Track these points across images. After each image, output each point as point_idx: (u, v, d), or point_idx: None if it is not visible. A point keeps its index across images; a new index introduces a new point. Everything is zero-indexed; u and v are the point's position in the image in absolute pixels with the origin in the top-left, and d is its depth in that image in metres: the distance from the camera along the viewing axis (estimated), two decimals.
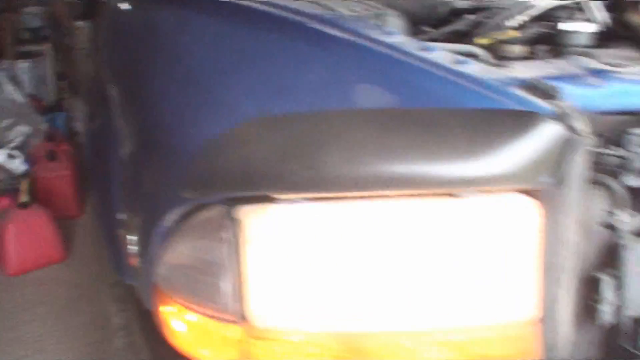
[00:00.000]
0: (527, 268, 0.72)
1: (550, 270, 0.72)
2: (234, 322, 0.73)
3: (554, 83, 0.74)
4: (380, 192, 0.69)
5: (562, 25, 1.00)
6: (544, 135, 0.68)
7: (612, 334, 0.96)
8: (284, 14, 0.87)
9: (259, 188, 0.69)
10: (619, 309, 0.90)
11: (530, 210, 0.70)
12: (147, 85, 0.91)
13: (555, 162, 0.69)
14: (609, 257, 0.90)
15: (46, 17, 3.28)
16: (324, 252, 0.69)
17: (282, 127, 0.70)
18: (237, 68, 0.81)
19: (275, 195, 0.69)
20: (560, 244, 0.71)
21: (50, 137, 3.06)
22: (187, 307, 0.78)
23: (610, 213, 0.86)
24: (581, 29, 0.99)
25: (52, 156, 2.79)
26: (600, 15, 1.03)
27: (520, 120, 0.69)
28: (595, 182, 0.87)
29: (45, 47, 3.44)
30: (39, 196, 2.63)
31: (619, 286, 0.88)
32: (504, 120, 0.69)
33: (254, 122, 0.71)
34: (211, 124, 0.74)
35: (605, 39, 1.03)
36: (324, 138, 0.68)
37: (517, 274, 0.71)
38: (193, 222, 0.73)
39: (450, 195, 0.70)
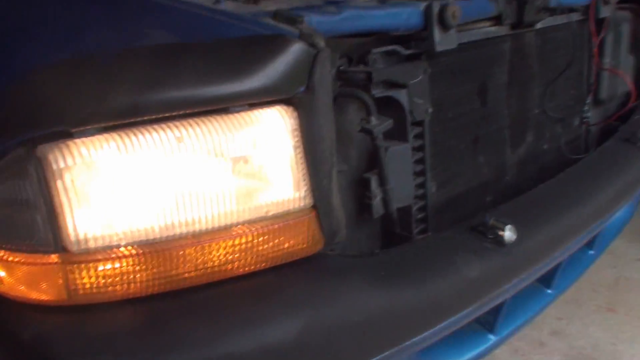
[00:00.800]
0: (293, 162, 0.93)
1: (316, 163, 0.95)
2: (53, 253, 0.86)
3: (298, 12, 0.97)
4: (164, 114, 0.86)
5: None
6: (292, 53, 0.89)
7: (385, 224, 1.24)
8: None
9: (55, 125, 0.82)
10: (386, 202, 1.16)
11: (288, 115, 0.92)
12: None
13: (303, 73, 0.90)
14: (373, 159, 1.16)
15: None
16: (121, 173, 0.85)
17: (72, 68, 0.84)
18: (24, 18, 0.93)
19: (72, 130, 0.83)
20: (318, 141, 0.94)
21: None
22: (8, 251, 0.89)
23: (364, 120, 1.11)
24: None
25: None
26: None
27: (271, 43, 0.89)
28: (349, 95, 1.12)
29: None
30: None
31: (383, 182, 1.15)
32: (258, 44, 0.89)
33: (42, 67, 0.84)
34: (3, 72, 0.86)
35: None
36: (108, 74, 0.83)
37: (286, 169, 0.93)
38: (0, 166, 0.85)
39: (224, 111, 0.89)
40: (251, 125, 0.90)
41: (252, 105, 0.90)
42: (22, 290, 0.90)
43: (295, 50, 0.90)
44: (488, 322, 1.39)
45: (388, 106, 1.16)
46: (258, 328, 0.91)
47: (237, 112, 0.89)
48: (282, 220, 0.95)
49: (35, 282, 0.88)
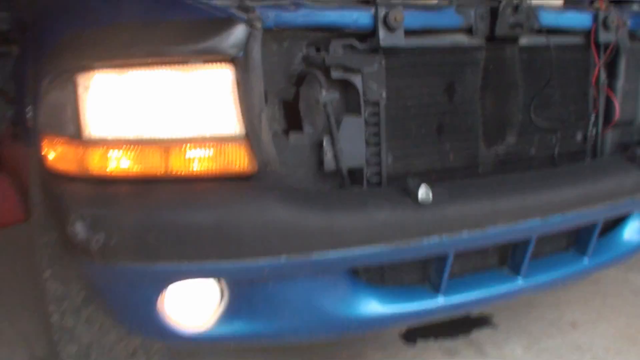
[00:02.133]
0: (232, 102, 1.46)
1: (248, 106, 1.46)
2: (76, 139, 1.49)
3: (257, 6, 1.49)
4: (153, 61, 1.44)
5: None
6: (236, 30, 1.43)
7: (336, 178, 1.67)
8: None
9: (83, 62, 1.46)
10: (337, 160, 1.61)
11: (230, 69, 1.45)
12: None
13: (242, 44, 1.43)
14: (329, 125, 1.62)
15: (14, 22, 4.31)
16: (120, 93, 1.45)
17: (100, 31, 1.47)
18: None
19: (93, 65, 1.45)
20: (250, 91, 1.45)
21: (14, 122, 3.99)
22: (55, 141, 1.54)
23: (319, 92, 1.58)
24: None
25: (15, 137, 3.71)
26: None
27: (225, 22, 1.44)
28: (309, 73, 1.60)
29: (14, 49, 4.44)
30: (4, 167, 3.49)
31: (334, 143, 1.60)
32: (217, 22, 1.45)
33: (93, 26, 1.49)
34: (65, 27, 1.54)
35: None
36: (119, 34, 1.45)
37: (228, 106, 1.46)
38: (54, 84, 1.50)
39: (187, 64, 1.45)
40: (205, 74, 1.45)
41: (206, 61, 1.45)
42: (59, 165, 1.53)
43: (239, 28, 1.44)
44: (435, 283, 1.73)
45: (348, 87, 1.62)
46: (193, 209, 1.43)
47: (196, 64, 1.45)
48: (224, 141, 1.48)
49: (66, 159, 1.52)
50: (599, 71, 1.93)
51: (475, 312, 2.70)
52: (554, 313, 2.68)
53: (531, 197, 1.70)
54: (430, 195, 1.58)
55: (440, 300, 1.78)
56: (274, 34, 1.58)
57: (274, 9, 1.57)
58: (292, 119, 1.66)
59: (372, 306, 1.71)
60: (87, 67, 1.47)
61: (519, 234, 1.74)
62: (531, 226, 1.72)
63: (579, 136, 1.98)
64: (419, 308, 1.76)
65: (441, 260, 1.72)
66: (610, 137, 2.02)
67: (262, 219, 1.48)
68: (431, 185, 1.61)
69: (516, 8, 1.74)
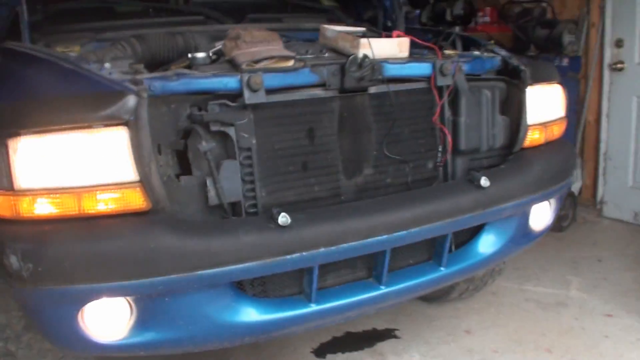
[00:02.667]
0: (127, 156, 2.18)
1: (140, 158, 2.20)
2: (9, 190, 2.23)
3: (146, 79, 2.27)
4: (63, 127, 2.20)
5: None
6: (128, 99, 2.17)
7: (221, 211, 2.43)
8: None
9: (13, 129, 2.21)
10: (219, 196, 2.38)
11: (125, 131, 2.18)
12: None
13: (134, 110, 2.18)
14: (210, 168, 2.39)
15: None
16: (42, 154, 2.19)
17: (25, 104, 2.24)
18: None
19: (20, 132, 2.21)
20: (140, 146, 2.18)
21: None
22: None
23: (200, 143, 2.36)
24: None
25: None
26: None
27: (119, 93, 2.18)
28: (193, 129, 2.38)
29: None
30: None
31: (215, 182, 2.37)
32: (113, 93, 2.18)
33: (18, 101, 2.25)
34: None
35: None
36: (39, 106, 2.21)
37: (124, 159, 2.17)
38: None
39: (90, 127, 2.21)
40: (105, 135, 2.20)
41: (106, 125, 2.21)
42: None
43: (130, 98, 2.17)
44: (307, 293, 2.49)
45: (225, 137, 2.40)
46: (100, 241, 2.18)
47: (98, 127, 2.21)
48: (123, 186, 2.22)
49: (3, 207, 2.25)
50: (441, 109, 2.70)
51: (381, 326, 3.45)
52: (452, 323, 3.39)
53: (377, 217, 2.44)
54: (289, 220, 2.34)
55: (312, 308, 2.52)
56: (163, 98, 2.25)
57: (160, 79, 2.27)
58: (184, 165, 2.36)
59: (253, 315, 2.33)
60: (15, 134, 2.11)
61: (370, 248, 2.40)
62: (379, 241, 2.38)
63: (430, 164, 2.73)
64: (294, 315, 2.42)
65: (310, 273, 2.48)
66: (460, 163, 2.75)
67: (152, 245, 2.19)
68: (295, 212, 2.38)
69: (360, 64, 2.52)
